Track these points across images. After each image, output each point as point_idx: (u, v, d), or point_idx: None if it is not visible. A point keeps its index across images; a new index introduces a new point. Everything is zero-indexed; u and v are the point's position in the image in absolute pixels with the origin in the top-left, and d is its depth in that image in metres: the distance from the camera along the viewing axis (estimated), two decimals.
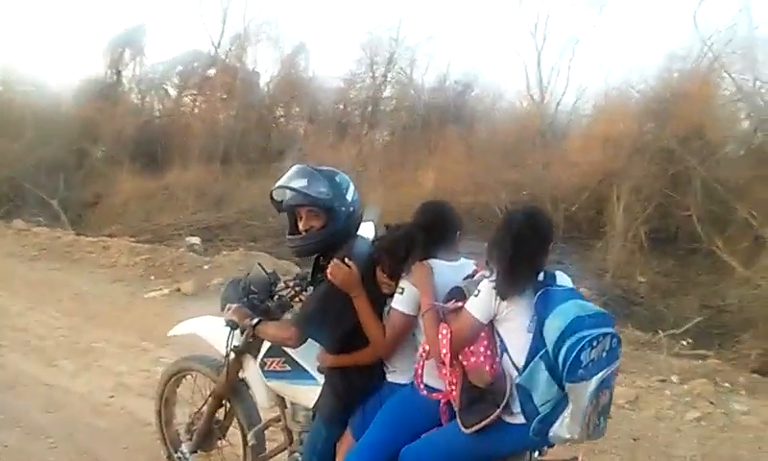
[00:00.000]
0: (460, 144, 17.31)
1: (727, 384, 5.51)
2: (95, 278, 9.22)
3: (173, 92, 23.84)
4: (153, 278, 8.96)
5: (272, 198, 3.00)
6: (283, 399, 3.19)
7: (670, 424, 4.85)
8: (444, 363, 2.38)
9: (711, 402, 5.11)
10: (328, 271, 2.67)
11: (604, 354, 2.22)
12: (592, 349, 2.18)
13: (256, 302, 3.14)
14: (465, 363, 2.39)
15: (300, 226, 2.86)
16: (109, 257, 10.19)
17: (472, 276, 2.61)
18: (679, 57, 14.94)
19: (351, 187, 2.88)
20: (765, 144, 13.01)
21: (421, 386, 2.52)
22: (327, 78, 22.94)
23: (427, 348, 2.48)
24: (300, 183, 2.78)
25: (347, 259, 2.68)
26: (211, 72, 23.23)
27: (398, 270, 2.64)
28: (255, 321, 2.92)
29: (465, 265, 2.76)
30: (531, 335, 2.31)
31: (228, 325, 3.00)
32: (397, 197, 13.94)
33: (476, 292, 2.41)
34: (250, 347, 3.16)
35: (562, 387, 2.19)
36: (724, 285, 10.27)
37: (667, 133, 12.29)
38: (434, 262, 2.64)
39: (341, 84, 22.67)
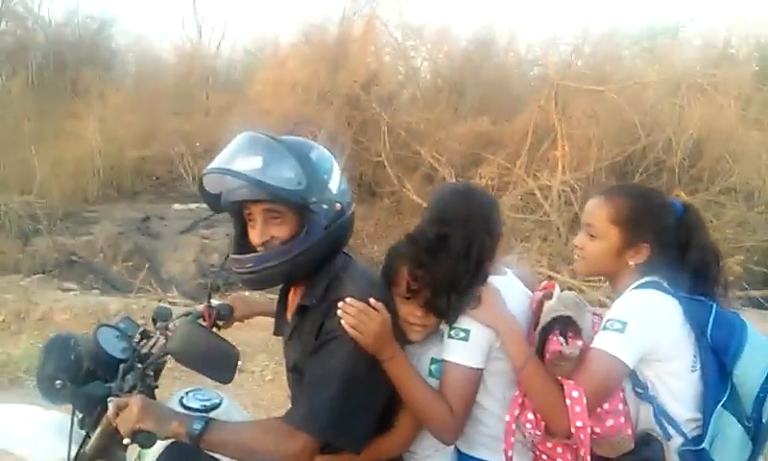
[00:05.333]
0: (113, 89, 15.08)
1: None
2: None
3: None
4: None
5: (201, 189, 1.81)
6: None
7: None
8: (576, 437, 1.66)
9: None
10: (347, 322, 1.67)
11: None
12: None
13: (149, 383, 1.92)
14: (597, 430, 1.71)
15: (254, 236, 1.77)
16: None
17: (549, 296, 1.89)
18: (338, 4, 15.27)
19: (336, 170, 1.83)
20: (425, 89, 14.22)
21: None
22: None
23: (530, 417, 1.73)
24: (251, 164, 1.68)
25: (372, 300, 1.71)
26: None
27: (458, 304, 1.79)
28: (200, 426, 1.65)
29: (513, 280, 2.02)
30: (696, 375, 1.74)
31: (133, 440, 1.66)
32: (55, 154, 11.56)
33: (611, 322, 1.72)
34: (107, 451, 1.85)
35: (756, 444, 1.70)
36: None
37: (349, 80, 12.42)
38: (495, 282, 1.86)
39: None
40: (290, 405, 1.83)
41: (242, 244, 1.85)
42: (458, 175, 11.12)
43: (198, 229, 10.92)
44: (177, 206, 12.37)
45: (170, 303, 7.62)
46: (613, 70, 12.13)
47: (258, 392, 5.25)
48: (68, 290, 7.76)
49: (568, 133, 10.71)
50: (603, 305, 8.28)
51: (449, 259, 1.79)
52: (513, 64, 15.76)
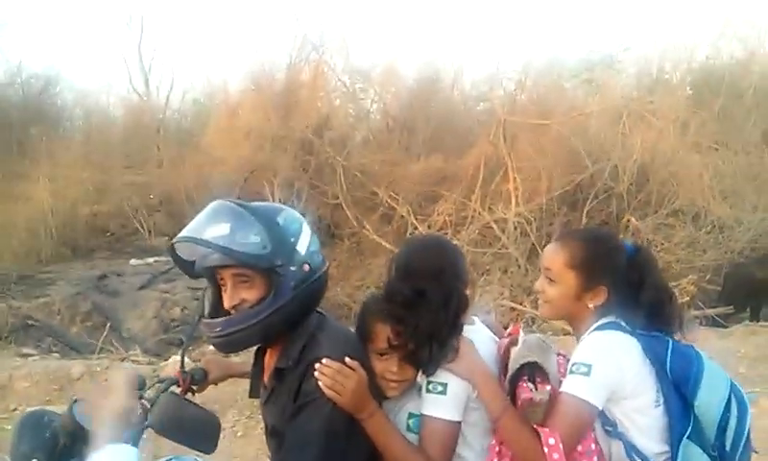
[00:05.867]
0: (62, 146, 14.87)
1: None
2: None
3: None
4: None
5: (174, 255, 1.87)
6: None
7: None
8: None
9: None
10: (324, 383, 1.73)
11: None
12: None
13: None
14: None
15: (226, 300, 1.82)
16: None
17: (515, 342, 1.97)
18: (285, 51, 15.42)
19: (305, 232, 1.87)
20: (377, 130, 14.46)
21: None
22: None
23: None
24: (218, 231, 1.76)
25: (347, 359, 1.78)
26: None
27: (438, 355, 1.85)
28: None
29: (482, 328, 2.10)
30: (660, 410, 1.84)
31: None
32: (5, 217, 11.34)
33: (577, 366, 1.82)
34: None
35: None
36: (380, 265, 10.98)
37: (301, 125, 12.56)
38: (467, 332, 1.93)
39: None
40: None
41: (217, 307, 1.90)
42: (416, 213, 11.31)
43: (157, 283, 10.78)
44: (133, 261, 12.18)
45: (133, 361, 7.48)
46: (556, 102, 12.56)
47: (230, 448, 5.20)
48: (27, 355, 7.56)
49: (518, 166, 11.01)
50: (567, 333, 8.47)
51: (430, 312, 1.84)
52: (459, 101, 16.19)
